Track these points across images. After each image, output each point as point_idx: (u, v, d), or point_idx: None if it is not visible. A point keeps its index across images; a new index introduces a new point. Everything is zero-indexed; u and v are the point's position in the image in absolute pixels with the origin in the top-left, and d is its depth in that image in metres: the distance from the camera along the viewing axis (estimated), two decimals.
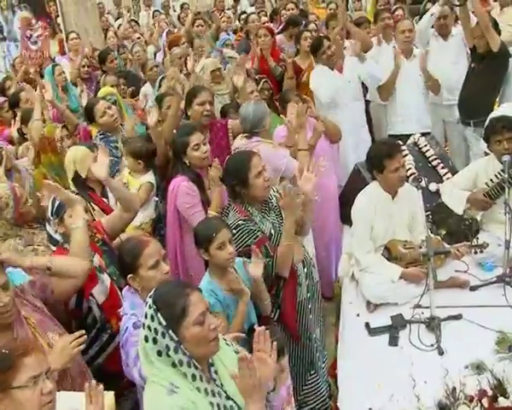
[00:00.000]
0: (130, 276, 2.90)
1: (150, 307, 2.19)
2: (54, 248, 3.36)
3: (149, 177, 4.45)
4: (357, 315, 3.82)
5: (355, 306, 3.92)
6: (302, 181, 3.55)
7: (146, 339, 2.19)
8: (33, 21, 9.96)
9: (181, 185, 3.93)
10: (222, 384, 2.27)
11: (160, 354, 2.16)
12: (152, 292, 2.26)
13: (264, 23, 8.11)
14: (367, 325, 3.67)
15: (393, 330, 3.56)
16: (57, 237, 3.33)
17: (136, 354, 2.70)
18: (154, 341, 2.16)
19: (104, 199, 4.10)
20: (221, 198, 3.89)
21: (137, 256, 2.87)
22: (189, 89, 5.08)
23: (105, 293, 3.36)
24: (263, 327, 2.32)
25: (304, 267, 3.62)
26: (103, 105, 4.96)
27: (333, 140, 5.15)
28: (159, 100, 5.21)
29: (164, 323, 2.15)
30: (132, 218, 3.74)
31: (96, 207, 3.93)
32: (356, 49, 5.69)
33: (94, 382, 2.31)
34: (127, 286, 2.98)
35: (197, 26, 7.95)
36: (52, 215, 3.36)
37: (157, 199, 4.54)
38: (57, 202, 3.35)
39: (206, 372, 2.25)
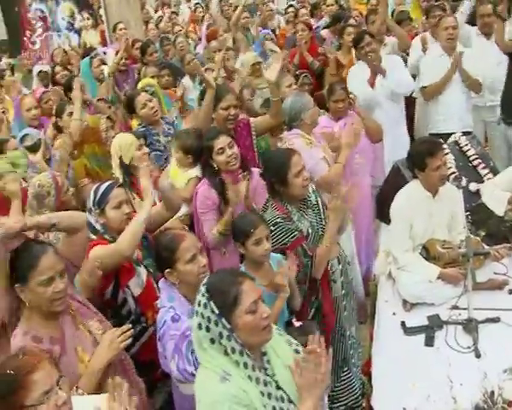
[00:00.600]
0: (167, 270, 2.92)
1: (203, 296, 2.22)
2: (94, 237, 3.40)
3: (197, 171, 4.45)
4: (393, 314, 3.78)
5: (391, 304, 3.88)
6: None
7: (199, 327, 2.22)
8: (33, 21, 10.11)
9: (199, 190, 3.94)
10: (273, 374, 2.28)
11: (213, 341, 2.19)
12: (205, 280, 2.29)
13: (303, 17, 8.07)
14: (403, 323, 3.64)
15: (430, 330, 3.53)
16: (98, 226, 3.37)
17: (174, 347, 2.75)
18: (207, 329, 2.19)
19: None
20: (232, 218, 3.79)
21: (174, 250, 2.90)
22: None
23: (141, 286, 3.37)
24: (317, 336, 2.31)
25: (339, 264, 3.62)
26: (144, 97, 5.00)
27: (373, 139, 5.06)
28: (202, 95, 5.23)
29: (216, 311, 2.18)
30: (172, 216, 3.77)
31: (136, 197, 3.98)
32: (375, 67, 5.57)
33: (117, 378, 2.30)
34: (163, 278, 3.01)
35: (243, 18, 7.97)
36: (94, 205, 3.38)
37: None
38: (99, 193, 3.38)
39: (259, 361, 2.27)
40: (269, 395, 2.22)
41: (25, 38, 10.64)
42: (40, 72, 7.99)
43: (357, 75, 5.67)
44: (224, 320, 2.17)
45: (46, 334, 2.65)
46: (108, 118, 5.24)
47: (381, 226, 4.86)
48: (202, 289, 2.25)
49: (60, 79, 7.23)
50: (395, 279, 3.99)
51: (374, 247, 5.09)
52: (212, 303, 2.19)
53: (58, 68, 7.43)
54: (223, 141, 3.93)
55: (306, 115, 4.44)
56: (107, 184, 3.46)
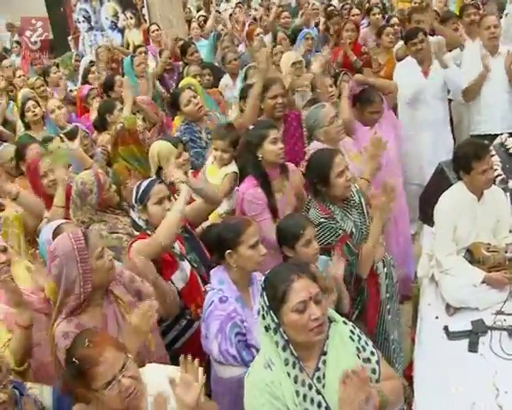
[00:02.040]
0: (228, 251, 2.96)
1: (261, 285, 2.31)
2: (137, 233, 3.44)
3: (234, 166, 4.46)
4: (436, 318, 3.72)
5: (434, 308, 3.81)
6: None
7: (258, 313, 2.31)
8: (33, 21, 10.22)
9: (246, 193, 3.88)
10: (324, 376, 2.27)
11: (266, 329, 2.27)
12: (268, 271, 2.36)
13: (353, 16, 8.02)
14: (446, 328, 3.57)
15: (473, 335, 3.45)
16: (140, 223, 3.41)
17: (219, 327, 2.82)
18: (263, 316, 2.27)
19: None
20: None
21: (240, 233, 2.95)
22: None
23: (184, 280, 3.41)
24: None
25: (384, 267, 3.58)
26: (188, 93, 5.03)
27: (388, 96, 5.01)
28: (244, 91, 5.23)
29: (267, 303, 2.24)
30: (213, 209, 3.79)
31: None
32: (438, 55, 5.49)
33: (189, 355, 2.33)
34: (217, 266, 3.06)
35: (283, 18, 7.95)
36: (136, 202, 3.45)
37: (237, 188, 4.55)
38: (141, 190, 3.44)
39: (312, 361, 2.28)
40: (304, 397, 2.22)
41: (69, 38, 10.87)
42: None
43: (405, 69, 5.61)
44: (271, 313, 2.22)
45: (89, 322, 2.75)
46: (143, 119, 5.29)
47: (424, 228, 4.79)
48: (263, 278, 2.34)
49: (92, 80, 7.29)
50: (438, 283, 3.91)
51: (411, 249, 5.04)
52: (264, 295, 2.26)
53: (94, 68, 7.50)
54: (275, 132, 3.93)
55: (320, 132, 4.34)
56: (148, 180, 3.54)
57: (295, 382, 2.22)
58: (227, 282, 2.94)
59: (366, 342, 2.41)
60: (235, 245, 2.95)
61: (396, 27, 6.97)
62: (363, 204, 3.64)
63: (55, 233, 3.35)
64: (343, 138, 4.32)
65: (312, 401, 2.23)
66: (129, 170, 4.77)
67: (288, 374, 2.22)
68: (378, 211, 3.40)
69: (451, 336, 3.51)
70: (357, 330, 2.44)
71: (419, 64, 5.55)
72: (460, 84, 5.60)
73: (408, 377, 3.66)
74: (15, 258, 3.52)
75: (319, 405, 2.23)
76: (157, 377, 2.40)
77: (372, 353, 2.38)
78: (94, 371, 2.19)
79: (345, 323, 2.44)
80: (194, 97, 5.03)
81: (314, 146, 4.35)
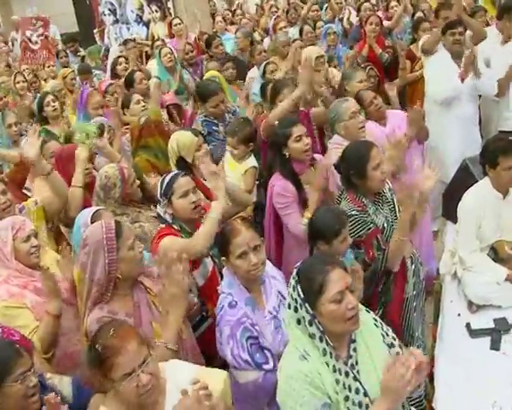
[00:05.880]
0: (223, 259, 2.98)
1: (293, 278, 2.32)
2: (162, 226, 3.46)
3: (253, 161, 4.47)
4: (458, 315, 3.70)
5: (456, 305, 3.79)
6: (423, 179, 3.45)
7: (289, 306, 2.33)
8: (33, 21, 10.24)
9: (275, 185, 3.91)
10: (357, 362, 2.32)
11: (299, 322, 2.29)
12: (299, 263, 2.37)
13: (392, 9, 7.96)
14: (468, 325, 3.55)
15: (496, 333, 3.43)
16: (166, 217, 3.44)
17: (229, 333, 2.80)
18: (295, 309, 2.29)
19: None
20: (319, 203, 3.80)
21: (228, 244, 2.92)
22: (273, 85, 5.07)
23: (205, 276, 3.44)
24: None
25: (412, 264, 3.56)
26: (218, 97, 5.06)
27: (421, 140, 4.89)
28: (263, 88, 5.24)
29: (302, 295, 2.26)
30: (241, 211, 3.80)
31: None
32: (467, 68, 5.37)
33: None
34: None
35: (312, 11, 7.93)
36: (161, 196, 3.45)
37: (257, 182, 4.58)
38: (165, 184, 3.45)
39: (343, 349, 2.32)
40: (343, 385, 2.26)
41: (94, 31, 10.95)
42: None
43: (438, 67, 5.53)
44: (307, 305, 2.25)
45: (121, 310, 2.80)
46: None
47: (447, 225, 4.75)
48: (294, 271, 2.34)
49: (120, 72, 7.31)
50: (461, 280, 3.89)
51: (433, 245, 5.00)
52: (298, 287, 2.27)
53: (121, 60, 7.51)
54: (300, 129, 3.92)
55: (340, 126, 4.32)
56: (171, 174, 3.53)
57: (334, 371, 2.25)
58: (236, 285, 2.91)
59: (387, 330, 2.49)
60: (225, 254, 2.95)
61: None
62: (395, 202, 3.60)
63: (94, 218, 3.40)
64: (364, 136, 4.27)
65: (350, 387, 2.27)
66: (151, 163, 4.78)
67: (327, 364, 2.25)
68: (403, 204, 3.37)
69: (473, 333, 3.49)
70: (378, 318, 2.52)
71: (453, 59, 5.46)
72: (491, 92, 5.51)
73: (429, 373, 3.65)
74: (43, 248, 3.57)
75: (357, 391, 2.27)
76: (179, 373, 2.40)
77: (394, 338, 2.47)
78: (114, 361, 2.21)
79: (367, 311, 2.52)
80: (223, 102, 5.06)
81: (335, 140, 4.35)
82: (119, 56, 7.72)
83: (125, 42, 8.88)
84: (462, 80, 5.42)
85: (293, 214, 3.82)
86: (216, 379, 2.44)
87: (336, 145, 4.26)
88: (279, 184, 3.88)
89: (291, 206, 3.83)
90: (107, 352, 2.23)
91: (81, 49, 10.48)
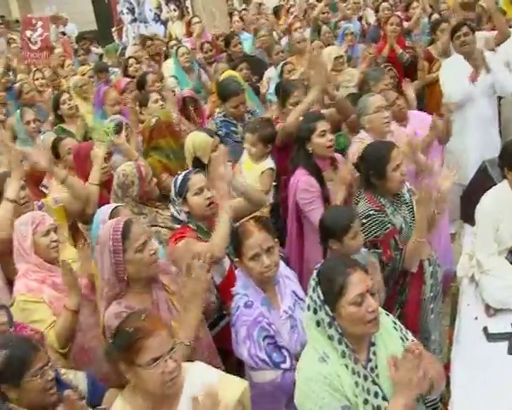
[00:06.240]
0: (236, 260, 3.00)
1: (313, 280, 2.32)
2: (178, 226, 3.47)
3: (270, 162, 4.47)
4: (475, 318, 3.65)
5: (473, 308, 3.75)
6: (441, 179, 3.43)
7: (308, 308, 2.33)
8: (33, 21, 10.28)
9: (300, 180, 3.92)
10: (376, 366, 2.31)
11: (318, 324, 2.29)
12: (319, 265, 2.36)
13: (413, 9, 7.92)
14: (485, 329, 3.51)
15: None
16: (182, 216, 3.44)
17: (246, 333, 2.80)
18: (315, 311, 2.29)
19: None
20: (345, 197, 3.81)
21: (240, 245, 2.93)
22: (282, 86, 5.07)
23: (222, 274, 3.43)
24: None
25: (429, 266, 3.54)
26: (240, 98, 5.03)
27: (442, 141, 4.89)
28: (279, 88, 5.23)
29: (322, 297, 2.25)
30: (257, 210, 3.79)
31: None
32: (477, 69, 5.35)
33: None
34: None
35: (322, 13, 7.92)
36: (175, 196, 3.46)
37: (275, 183, 4.57)
38: (179, 183, 3.45)
39: (363, 352, 2.31)
40: (363, 388, 2.25)
41: (113, 29, 11.01)
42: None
43: (452, 69, 5.50)
44: (326, 307, 2.24)
45: (138, 305, 2.79)
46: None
47: (465, 228, 4.72)
48: (314, 272, 2.33)
49: (131, 73, 7.34)
50: (478, 283, 3.85)
51: (451, 247, 4.96)
52: (318, 289, 2.27)
53: (131, 61, 7.55)
54: (324, 125, 3.93)
55: (364, 119, 4.32)
56: (184, 173, 3.54)
57: (353, 373, 2.25)
58: (251, 286, 2.91)
59: (406, 332, 2.48)
60: (238, 255, 2.96)
61: None
62: (413, 204, 3.59)
63: (113, 214, 3.42)
64: (388, 132, 4.27)
65: (369, 391, 2.26)
66: (163, 164, 4.77)
67: (346, 366, 2.25)
68: (420, 204, 3.35)
69: (491, 337, 3.45)
70: (397, 322, 2.51)
71: (466, 59, 5.43)
72: (508, 91, 5.47)
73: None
74: (63, 244, 3.60)
75: (376, 395, 2.27)
76: (198, 376, 2.38)
77: (412, 341, 2.45)
78: (144, 343, 2.19)
79: (386, 314, 2.51)
80: (243, 103, 5.06)
81: (360, 136, 4.34)
82: (130, 57, 7.77)
83: (143, 40, 8.90)
84: (473, 81, 5.39)
85: (317, 210, 3.83)
86: (235, 388, 2.43)
87: (358, 140, 4.28)
88: (303, 180, 3.90)
89: (316, 201, 3.86)
90: (139, 333, 2.21)
91: (92, 49, 10.57)
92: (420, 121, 4.61)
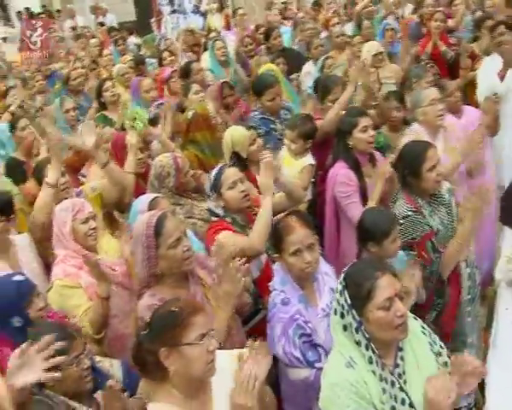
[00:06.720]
0: (276, 255, 2.98)
1: (341, 283, 2.27)
2: (214, 219, 3.48)
3: (310, 158, 4.45)
4: None
5: (511, 312, 3.69)
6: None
7: (335, 312, 2.28)
8: (33, 21, 10.28)
9: (339, 174, 3.90)
10: (403, 372, 2.25)
11: (345, 328, 2.24)
12: (347, 268, 2.31)
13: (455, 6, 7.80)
14: None
15: None
16: (218, 211, 3.45)
17: (282, 330, 2.79)
18: (342, 315, 2.24)
19: None
20: (384, 192, 3.78)
21: (281, 241, 2.91)
22: (322, 82, 5.05)
23: (259, 268, 3.42)
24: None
25: (466, 267, 3.48)
26: (275, 90, 5.01)
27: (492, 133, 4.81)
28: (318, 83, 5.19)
29: (349, 301, 2.21)
30: (297, 205, 3.78)
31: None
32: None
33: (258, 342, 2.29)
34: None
35: (364, 8, 7.85)
36: (211, 191, 3.48)
37: (313, 180, 4.55)
38: (213, 178, 3.47)
39: (390, 357, 2.26)
40: (390, 394, 2.20)
41: (152, 20, 11.09)
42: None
43: (487, 67, 5.45)
44: (354, 312, 2.19)
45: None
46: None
47: (504, 230, 4.62)
48: (342, 276, 2.29)
49: (167, 65, 7.29)
50: None
51: (495, 250, 4.87)
52: (346, 293, 2.22)
53: (165, 54, 7.57)
54: (367, 120, 3.93)
55: (419, 112, 4.29)
56: (218, 167, 3.55)
57: (381, 380, 2.19)
58: (289, 282, 2.89)
59: (435, 337, 2.42)
60: (278, 251, 2.94)
61: None
62: (453, 205, 3.53)
63: (151, 205, 3.43)
64: (441, 125, 4.24)
65: (396, 398, 2.20)
66: (198, 158, 4.78)
67: (373, 372, 2.20)
68: (470, 212, 3.26)
69: None
70: (425, 326, 2.45)
71: (502, 58, 5.34)
72: None
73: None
74: (100, 231, 3.64)
75: (403, 402, 2.21)
76: (222, 362, 2.32)
77: (441, 347, 2.39)
78: (193, 320, 2.14)
79: (415, 318, 2.45)
80: (279, 95, 5.02)
81: (413, 129, 4.31)
82: (165, 50, 7.78)
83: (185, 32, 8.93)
84: (502, 79, 5.30)
85: (355, 204, 3.82)
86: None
87: (410, 133, 4.25)
88: (342, 173, 3.89)
89: (353, 195, 3.84)
90: (187, 309, 2.17)
91: (130, 39, 10.63)
92: (474, 117, 4.59)
